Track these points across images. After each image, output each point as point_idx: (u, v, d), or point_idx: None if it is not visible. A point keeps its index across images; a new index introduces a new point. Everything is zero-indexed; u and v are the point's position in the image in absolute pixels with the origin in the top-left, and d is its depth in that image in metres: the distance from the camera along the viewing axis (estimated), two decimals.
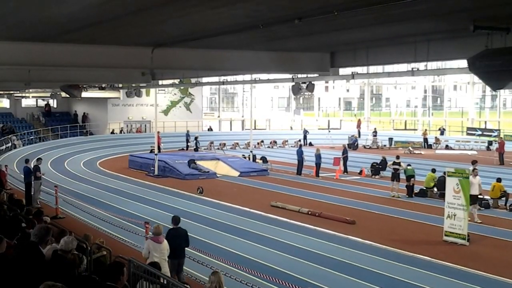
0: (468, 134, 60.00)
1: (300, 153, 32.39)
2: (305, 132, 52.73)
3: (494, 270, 14.31)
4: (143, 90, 32.61)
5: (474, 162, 24.41)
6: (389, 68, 44.73)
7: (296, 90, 21.55)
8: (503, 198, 22.84)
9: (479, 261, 15.23)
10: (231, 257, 15.22)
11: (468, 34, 11.94)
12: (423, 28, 13.76)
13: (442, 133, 58.24)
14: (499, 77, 11.33)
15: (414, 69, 17.93)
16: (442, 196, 21.27)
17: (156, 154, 33.24)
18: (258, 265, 14.52)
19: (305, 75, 21.89)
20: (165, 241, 11.66)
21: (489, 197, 22.94)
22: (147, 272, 9.09)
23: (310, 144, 49.44)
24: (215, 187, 27.64)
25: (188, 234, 12.60)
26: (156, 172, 31.79)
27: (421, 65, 20.20)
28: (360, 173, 32.14)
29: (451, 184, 17.33)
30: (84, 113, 55.97)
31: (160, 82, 33.11)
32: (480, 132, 58.74)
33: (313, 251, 16.10)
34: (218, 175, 31.40)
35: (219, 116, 64.02)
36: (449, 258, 15.39)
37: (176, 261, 12.21)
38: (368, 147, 49.10)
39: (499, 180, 23.41)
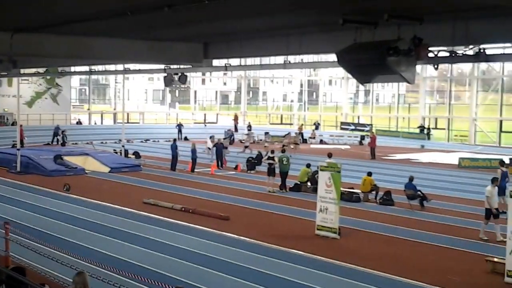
0: (342, 128, 61.94)
1: (174, 148, 31.65)
2: (180, 126, 51.82)
3: (364, 262, 14.48)
4: (4, 80, 30.43)
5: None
6: (266, 60, 44.89)
7: (168, 81, 20.88)
8: (374, 192, 23.36)
9: (350, 254, 15.39)
10: (99, 257, 14.36)
11: (338, 27, 11.85)
12: (295, 21, 13.63)
13: (317, 128, 59.57)
14: (367, 71, 11.34)
15: (286, 62, 17.84)
16: (315, 190, 21.38)
17: (18, 149, 31.22)
18: (128, 265, 13.83)
19: (178, 66, 21.29)
20: None
21: (359, 191, 23.40)
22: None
23: (186, 139, 48.71)
24: (83, 184, 26.35)
25: (49, 233, 11.71)
26: (18, 169, 29.80)
27: (297, 58, 20.25)
28: (236, 168, 31.94)
29: (324, 178, 17.41)
30: None
31: (23, 71, 31.08)
32: (353, 127, 60.81)
33: (186, 249, 15.66)
34: (87, 171, 29.99)
35: (89, 109, 61.71)
36: (321, 252, 15.44)
37: None
38: (244, 141, 49.14)
39: (369, 174, 23.95)
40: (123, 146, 35.46)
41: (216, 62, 19.73)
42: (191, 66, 20.77)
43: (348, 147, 47.33)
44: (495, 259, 13.94)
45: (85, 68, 28.58)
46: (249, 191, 25.32)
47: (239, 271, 13.77)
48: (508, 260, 12.99)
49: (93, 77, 59.83)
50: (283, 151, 27.02)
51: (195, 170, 30.76)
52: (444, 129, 59.12)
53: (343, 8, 11.44)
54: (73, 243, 15.84)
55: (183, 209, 20.61)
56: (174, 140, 33.85)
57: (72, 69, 32.31)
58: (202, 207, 21.00)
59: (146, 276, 12.59)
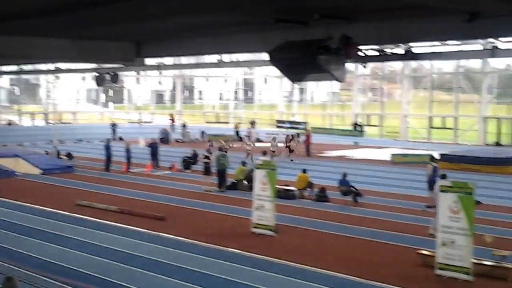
0: (277, 127, 62.33)
1: (107, 148, 31.11)
2: (114, 126, 50.97)
3: (300, 259, 14.62)
4: None
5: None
6: (201, 59, 44.69)
7: (100, 81, 20.61)
8: (309, 189, 23.63)
9: (286, 251, 15.50)
10: (30, 261, 14.02)
11: (269, 27, 11.96)
12: (227, 20, 13.66)
13: (253, 126, 59.69)
14: (298, 70, 11.47)
15: (220, 61, 17.86)
16: (251, 188, 21.45)
17: None
18: (61, 269, 13.54)
19: (110, 66, 20.99)
20: None
21: (295, 188, 23.62)
22: None
23: (120, 139, 47.98)
24: (13, 187, 25.61)
25: None
26: None
27: (232, 57, 20.30)
28: (172, 167, 31.70)
29: (260, 176, 17.49)
30: None
31: None
32: (288, 125, 61.31)
33: (120, 250, 15.42)
34: (17, 174, 29.16)
35: (19, 109, 59.97)
36: (258, 249, 15.50)
37: None
38: (180, 141, 48.86)
39: (304, 171, 24.21)
40: (55, 147, 34.63)
41: (150, 61, 19.55)
42: (123, 66, 20.53)
43: (283, 145, 47.58)
44: (426, 252, 14.32)
45: (15, 68, 27.71)
46: (185, 190, 25.15)
47: (175, 272, 13.65)
48: (438, 252, 13.38)
49: (24, 76, 58.17)
50: (220, 149, 26.99)
51: (130, 170, 30.37)
52: (376, 126, 60.40)
53: (273, 7, 11.53)
54: (2, 248, 15.37)
55: (118, 210, 20.32)
56: (108, 140, 33.29)
57: (0, 68, 31.30)
58: (137, 207, 20.77)
59: (81, 280, 12.36)
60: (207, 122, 66.29)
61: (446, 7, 10.37)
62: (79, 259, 14.61)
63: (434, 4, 10.69)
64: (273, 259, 14.72)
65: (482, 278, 12.94)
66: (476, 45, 37.64)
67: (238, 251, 15.44)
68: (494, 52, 31.88)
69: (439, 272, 13.28)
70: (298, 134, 41.28)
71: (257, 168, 17.84)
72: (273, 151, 33.61)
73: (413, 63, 56.92)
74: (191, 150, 33.10)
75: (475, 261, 13.08)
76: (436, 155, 27.37)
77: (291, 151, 35.55)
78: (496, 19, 11.77)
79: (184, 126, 51.92)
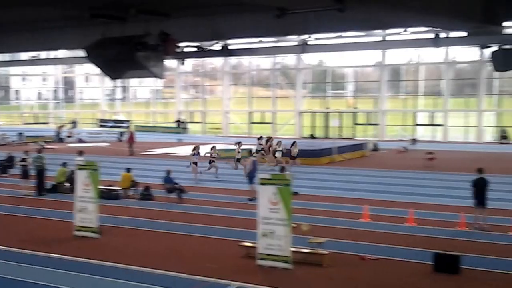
0: (100, 126, 60.94)
1: None
2: None
3: (126, 259, 14.43)
4: None
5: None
6: (17, 56, 42.24)
7: None
8: (133, 188, 23.36)
9: (111, 253, 15.21)
10: None
11: (88, 22, 11.62)
12: (44, 15, 13.05)
13: (74, 126, 57.89)
14: (117, 66, 11.28)
15: (36, 58, 17.05)
16: (73, 190, 20.74)
17: None
18: None
19: None
20: None
21: (119, 188, 23.23)
22: None
23: None
24: None
25: None
26: None
27: (50, 54, 19.46)
28: None
29: (81, 177, 16.97)
30: None
31: None
32: (112, 124, 60.20)
33: None
34: None
35: None
36: (81, 253, 15.06)
37: None
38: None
39: (128, 170, 23.89)
40: None
41: None
42: None
43: (107, 144, 46.67)
44: (248, 244, 14.75)
45: None
46: (2, 196, 23.73)
47: None
48: (259, 243, 13.85)
49: None
50: (38, 151, 25.74)
51: None
52: (200, 122, 61.27)
53: (90, 2, 11.23)
54: None
55: None
56: None
57: None
58: None
59: None
60: (25, 123, 62.99)
61: (257, 3, 10.73)
62: None
63: (251, 2, 11.03)
64: (98, 261, 14.36)
65: (300, 265, 13.59)
66: (291, 42, 39.54)
67: (61, 256, 14.87)
68: (304, 47, 33.74)
69: (260, 262, 13.75)
70: (120, 133, 40.53)
71: (79, 169, 17.28)
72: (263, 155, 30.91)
73: (233, 60, 58.47)
74: (7, 154, 31.25)
75: (293, 249, 13.71)
76: (254, 149, 28.29)
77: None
78: (304, 15, 12.42)
79: None
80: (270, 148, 31.82)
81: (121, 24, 11.38)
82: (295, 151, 30.52)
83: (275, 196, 13.53)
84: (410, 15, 14.47)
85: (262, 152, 32.16)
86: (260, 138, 34.48)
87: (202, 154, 27.88)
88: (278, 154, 29.97)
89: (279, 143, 30.80)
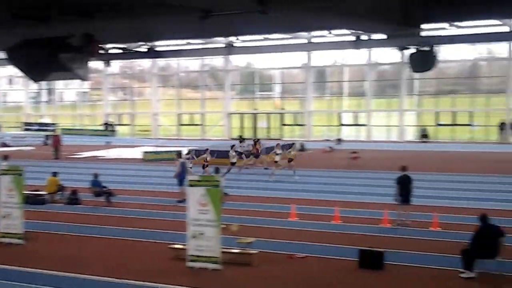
0: (25, 129, 59.39)
1: None
2: None
3: (53, 265, 14.16)
4: None
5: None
6: None
7: None
8: (60, 192, 22.91)
9: (36, 259, 14.85)
10: None
11: (10, 23, 11.35)
12: None
13: None
14: (39, 68, 11.07)
15: None
16: None
17: None
18: None
19: None
20: None
21: (45, 193, 22.75)
22: None
23: None
24: None
25: None
26: None
27: None
28: None
29: (5, 182, 16.53)
30: None
31: None
32: (37, 127, 58.76)
33: None
34: None
35: None
36: (5, 260, 14.64)
37: None
38: None
39: (54, 174, 23.41)
40: None
41: None
42: None
43: (32, 148, 45.50)
44: (178, 246, 14.75)
45: None
46: None
47: None
48: (189, 245, 13.88)
49: None
50: None
51: None
52: (128, 124, 60.58)
53: (11, 2, 10.98)
54: None
55: None
56: None
57: None
58: None
59: None
60: None
61: (181, 5, 10.75)
62: None
63: (170, 1, 11.02)
64: (22, 268, 14.03)
65: (230, 266, 13.69)
66: (218, 44, 39.65)
67: None
68: (231, 49, 33.94)
69: (190, 264, 13.79)
70: (46, 137, 39.52)
71: (2, 174, 16.83)
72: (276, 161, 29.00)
73: (161, 62, 58.11)
74: None
75: (223, 250, 13.81)
76: (185, 150, 28.27)
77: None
78: (229, 17, 12.54)
79: None
80: (259, 151, 31.86)
81: (44, 26, 11.16)
82: (292, 153, 29.22)
83: (204, 197, 13.61)
84: (332, 18, 14.86)
85: (248, 155, 32.05)
86: (242, 141, 34.39)
87: (196, 158, 27.37)
88: (278, 158, 28.97)
89: (277, 145, 29.93)
